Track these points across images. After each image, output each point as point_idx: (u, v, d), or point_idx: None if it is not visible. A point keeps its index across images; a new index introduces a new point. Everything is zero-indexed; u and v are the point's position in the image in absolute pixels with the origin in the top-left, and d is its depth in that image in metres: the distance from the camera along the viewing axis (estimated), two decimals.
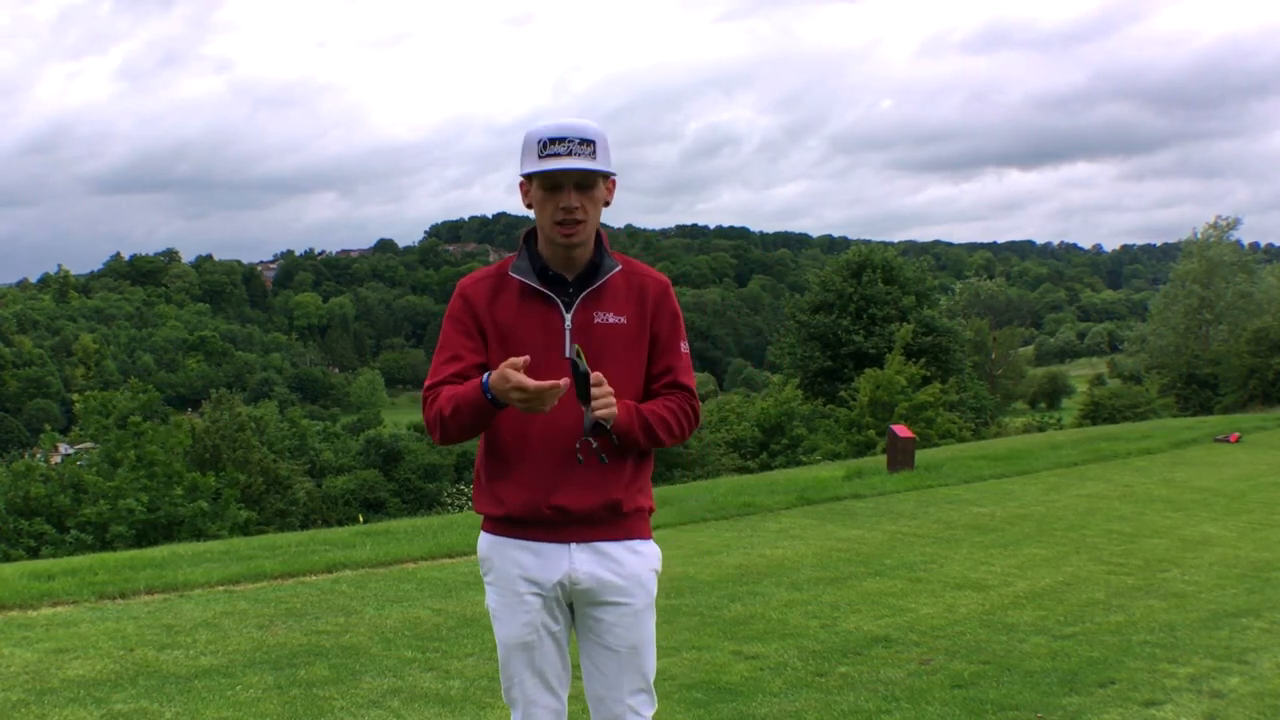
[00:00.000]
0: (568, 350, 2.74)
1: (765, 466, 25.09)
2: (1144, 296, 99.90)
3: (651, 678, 2.90)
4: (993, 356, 59.81)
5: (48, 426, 39.02)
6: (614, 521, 2.81)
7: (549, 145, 2.69)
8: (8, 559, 17.00)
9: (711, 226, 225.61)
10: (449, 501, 40.87)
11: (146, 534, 21.99)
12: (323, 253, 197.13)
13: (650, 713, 2.90)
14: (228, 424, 40.35)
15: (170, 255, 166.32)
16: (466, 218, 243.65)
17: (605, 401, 2.65)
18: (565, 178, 2.70)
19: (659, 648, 3.31)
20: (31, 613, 6.32)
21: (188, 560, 8.06)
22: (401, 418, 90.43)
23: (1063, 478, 13.70)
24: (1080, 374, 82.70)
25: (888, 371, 27.26)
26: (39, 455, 28.20)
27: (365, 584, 7.24)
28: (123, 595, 6.77)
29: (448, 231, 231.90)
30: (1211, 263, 46.81)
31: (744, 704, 4.74)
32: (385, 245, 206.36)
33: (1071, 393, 72.12)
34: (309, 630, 5.92)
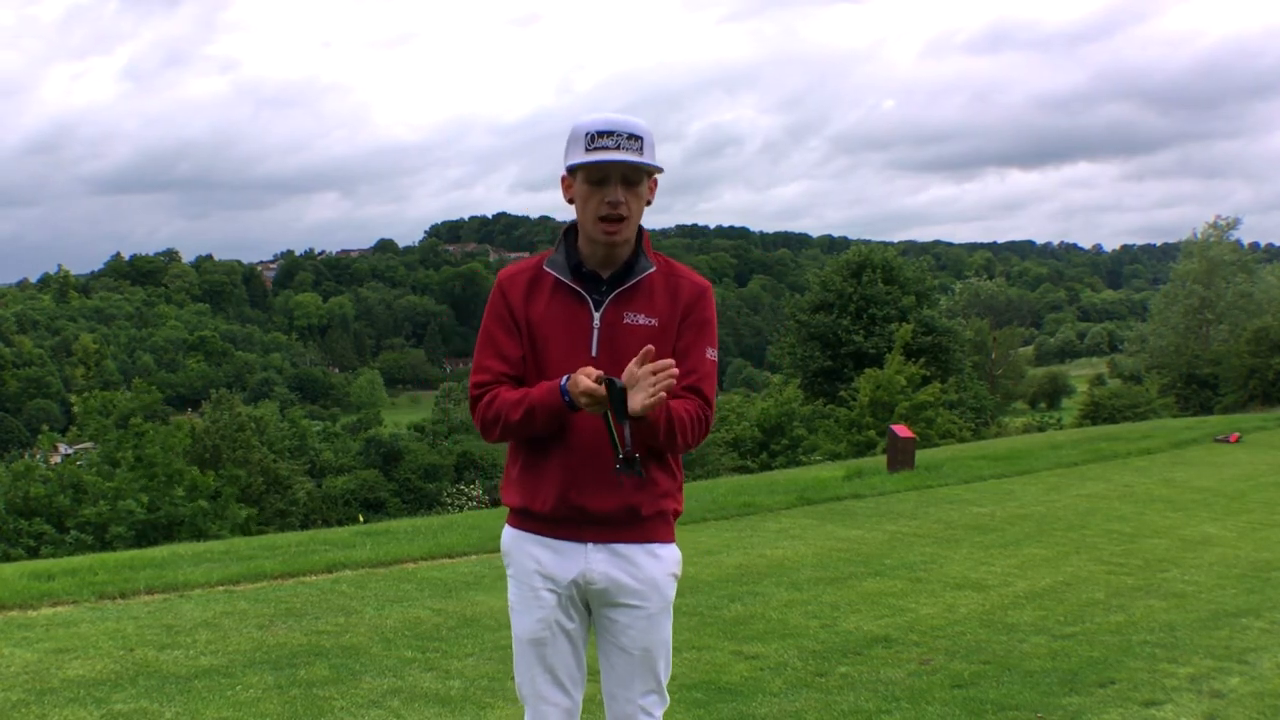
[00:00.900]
0: (593, 349, 2.73)
1: (765, 466, 25.08)
2: (1144, 296, 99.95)
3: (665, 679, 2.90)
4: (993, 356, 59.81)
5: (47, 427, 39.05)
6: (633, 524, 2.78)
7: (597, 139, 2.65)
8: (8, 559, 16.99)
9: (711, 226, 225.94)
10: (449, 501, 40.85)
11: (146, 534, 21.99)
12: (323, 253, 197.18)
13: (661, 711, 2.91)
14: (228, 424, 40.37)
15: (170, 255, 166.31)
16: (467, 218, 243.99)
17: (660, 389, 2.51)
18: (613, 170, 2.67)
19: None
20: (31, 613, 6.32)
21: (188, 560, 8.06)
22: (401, 418, 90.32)
23: (1063, 478, 13.70)
24: (1080, 374, 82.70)
25: (888, 371, 27.25)
26: (39, 455, 28.20)
27: (365, 584, 7.24)
28: (123, 595, 6.76)
29: (448, 231, 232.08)
30: (1212, 263, 46.81)
31: (744, 704, 4.74)
32: (385, 245, 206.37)
33: (1071, 393, 72.13)
34: (309, 630, 5.92)
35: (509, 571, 2.91)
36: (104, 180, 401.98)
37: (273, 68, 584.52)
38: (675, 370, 2.54)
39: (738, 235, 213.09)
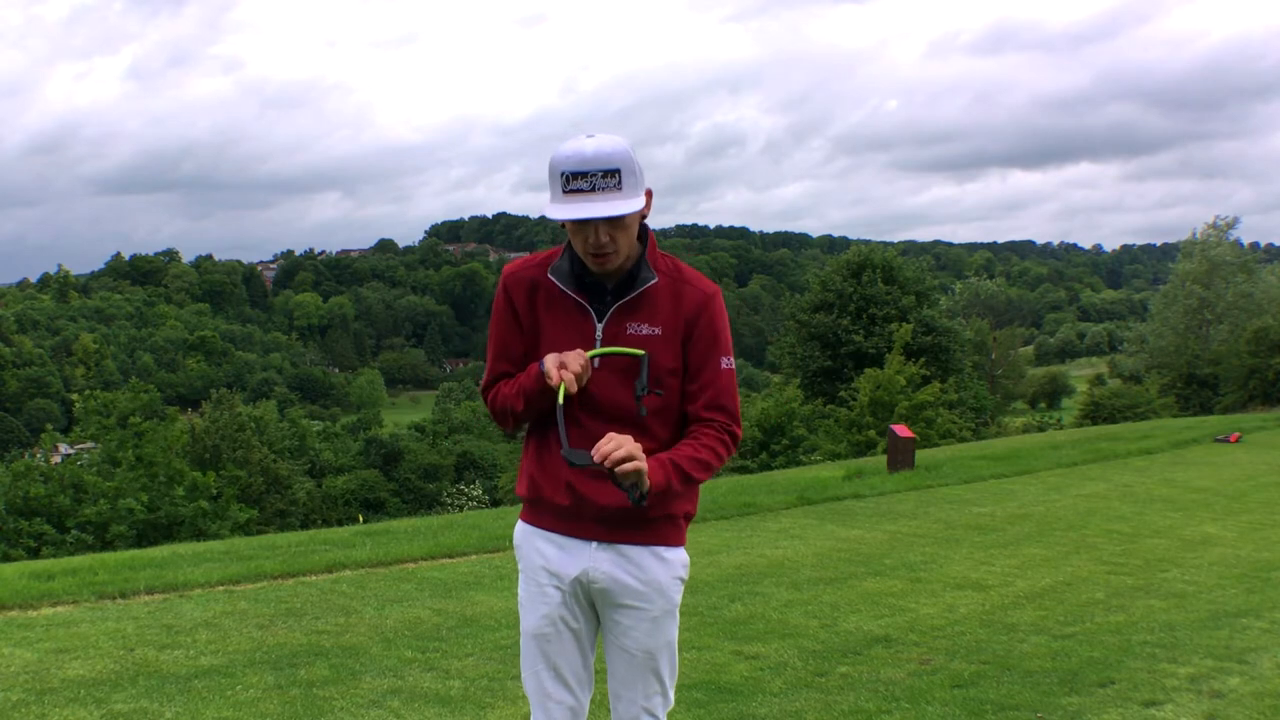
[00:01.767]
0: (596, 360, 2.71)
1: (765, 466, 25.05)
2: (1144, 296, 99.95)
3: (670, 681, 2.89)
4: (993, 356, 59.77)
5: (48, 426, 39.06)
6: (640, 525, 2.77)
7: (571, 180, 2.57)
8: (8, 559, 16.99)
9: (711, 226, 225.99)
10: (449, 501, 40.92)
11: (146, 534, 22.00)
12: (323, 253, 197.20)
13: (664, 712, 2.90)
14: (228, 424, 40.40)
15: (170, 255, 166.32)
16: (467, 218, 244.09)
17: (623, 455, 2.50)
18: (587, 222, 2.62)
19: None
20: (31, 613, 6.32)
21: (188, 560, 8.06)
22: (401, 418, 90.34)
23: (1063, 478, 13.70)
24: (1080, 374, 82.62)
25: (888, 371, 27.22)
26: (39, 455, 28.20)
27: (365, 584, 7.24)
28: (123, 595, 6.76)
29: (448, 231, 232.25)
30: (1212, 263, 46.76)
31: (744, 704, 4.74)
32: (385, 245, 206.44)
33: (1071, 393, 72.09)
34: (309, 630, 5.92)
35: (519, 566, 2.91)
36: (106, 180, 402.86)
37: (277, 67, 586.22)
38: (626, 450, 2.50)
39: (738, 235, 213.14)
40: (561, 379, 2.63)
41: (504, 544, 8.66)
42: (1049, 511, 10.77)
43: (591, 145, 2.58)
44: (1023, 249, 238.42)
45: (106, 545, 19.72)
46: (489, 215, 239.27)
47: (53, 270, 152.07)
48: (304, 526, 31.74)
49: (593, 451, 2.52)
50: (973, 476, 13.54)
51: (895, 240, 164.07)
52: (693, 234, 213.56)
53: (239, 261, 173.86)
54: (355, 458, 57.38)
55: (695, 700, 4.75)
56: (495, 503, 38.68)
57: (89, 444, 29.44)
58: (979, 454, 16.42)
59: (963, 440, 25.83)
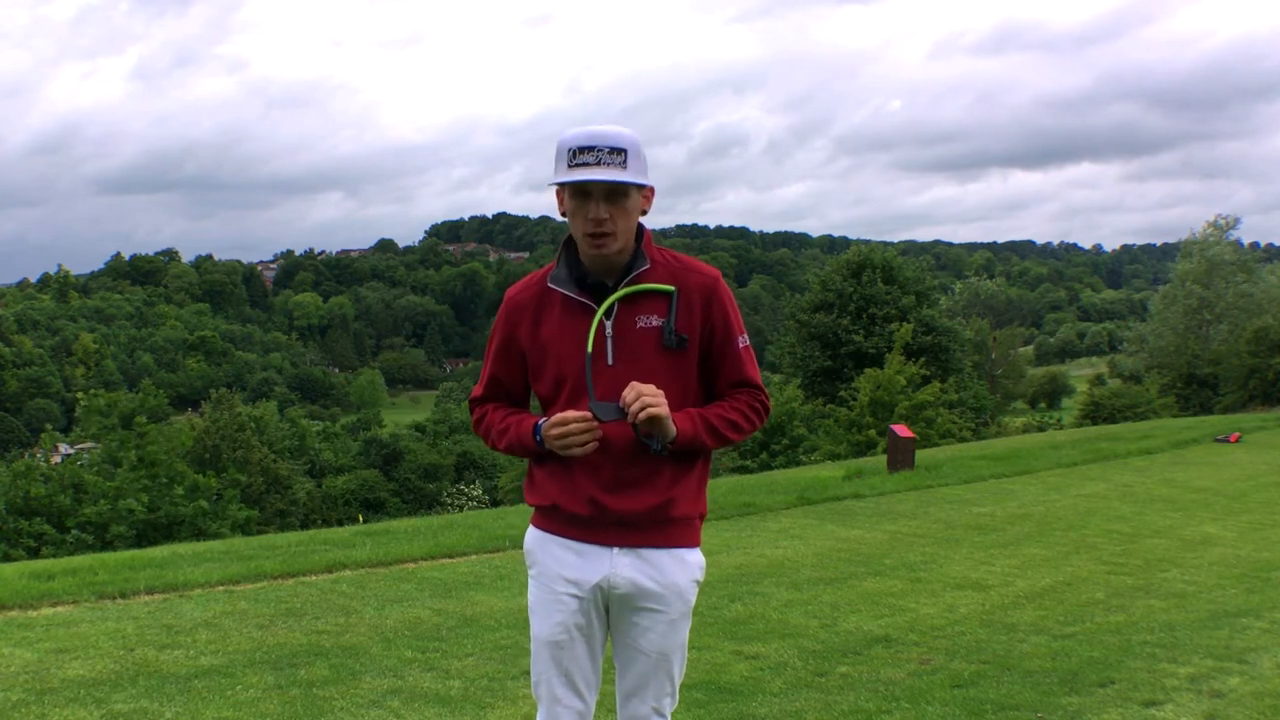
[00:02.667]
0: (609, 358, 2.73)
1: (765, 466, 25.07)
2: (1144, 296, 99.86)
3: (679, 681, 2.91)
4: (993, 356, 59.76)
5: (48, 426, 39.09)
6: (660, 527, 2.78)
7: (578, 154, 2.63)
8: (8, 559, 16.99)
9: (712, 226, 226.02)
10: (449, 501, 40.91)
11: (146, 534, 22.00)
12: (323, 253, 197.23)
13: (671, 710, 2.92)
14: (228, 424, 40.40)
15: (170, 255, 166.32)
16: (467, 218, 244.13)
17: (645, 402, 2.58)
18: (593, 187, 2.65)
19: None
20: (31, 613, 6.32)
21: (188, 560, 8.06)
22: (402, 418, 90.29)
23: (1063, 478, 13.70)
24: (1080, 374, 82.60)
25: (888, 371, 27.22)
26: (39, 455, 28.20)
27: (365, 584, 7.24)
28: (123, 595, 6.76)
29: (448, 231, 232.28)
30: (1212, 262, 46.72)
31: (744, 704, 4.74)
32: (385, 245, 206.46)
33: (1071, 393, 72.07)
34: (309, 630, 5.92)
35: (531, 572, 2.90)
36: (109, 180, 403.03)
37: (283, 68, 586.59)
38: (649, 398, 2.58)
39: (737, 235, 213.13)
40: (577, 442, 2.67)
41: (504, 544, 8.67)
42: (1049, 511, 10.77)
43: (600, 127, 2.66)
44: (1023, 249, 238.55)
45: (106, 545, 19.72)
46: (489, 215, 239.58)
47: (53, 270, 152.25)
48: (304, 526, 31.74)
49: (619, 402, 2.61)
50: (973, 476, 13.54)
51: (895, 240, 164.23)
52: (693, 234, 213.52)
53: (239, 261, 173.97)
54: (355, 458, 57.39)
55: (695, 700, 4.75)
56: (495, 503, 38.69)
57: (89, 444, 29.46)
58: (979, 454, 16.42)
59: (963, 440, 25.82)
